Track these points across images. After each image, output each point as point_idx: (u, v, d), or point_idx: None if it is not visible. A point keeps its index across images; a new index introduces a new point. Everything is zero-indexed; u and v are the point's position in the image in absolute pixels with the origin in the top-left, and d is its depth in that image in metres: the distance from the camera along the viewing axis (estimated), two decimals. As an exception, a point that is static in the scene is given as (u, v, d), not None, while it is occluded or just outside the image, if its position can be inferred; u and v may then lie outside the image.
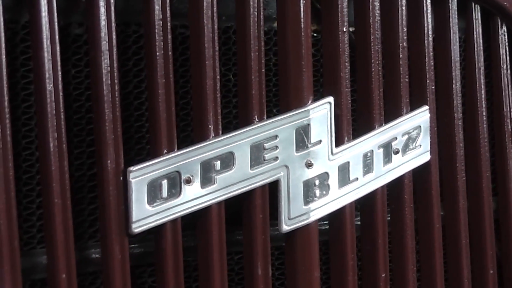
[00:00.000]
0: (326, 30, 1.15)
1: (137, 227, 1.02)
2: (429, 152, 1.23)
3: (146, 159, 1.06)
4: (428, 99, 1.24)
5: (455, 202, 1.29)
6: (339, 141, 1.14)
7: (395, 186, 1.21)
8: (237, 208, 1.10)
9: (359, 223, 1.20)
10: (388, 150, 1.19)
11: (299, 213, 1.11)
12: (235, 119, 1.15)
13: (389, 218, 1.22)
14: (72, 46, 1.06)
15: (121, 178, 1.01)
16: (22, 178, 1.04)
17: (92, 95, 1.02)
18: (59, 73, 0.99)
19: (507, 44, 1.35)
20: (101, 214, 1.02)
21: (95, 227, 1.08)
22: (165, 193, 1.03)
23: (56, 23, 0.98)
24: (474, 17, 1.31)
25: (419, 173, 1.24)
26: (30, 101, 1.03)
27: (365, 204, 1.19)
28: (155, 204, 1.03)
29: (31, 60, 0.99)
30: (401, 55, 1.20)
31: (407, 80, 1.21)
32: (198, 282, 1.10)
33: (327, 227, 1.17)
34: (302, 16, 1.10)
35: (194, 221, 1.07)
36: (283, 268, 1.21)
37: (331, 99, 1.13)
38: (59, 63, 0.99)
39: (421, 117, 1.22)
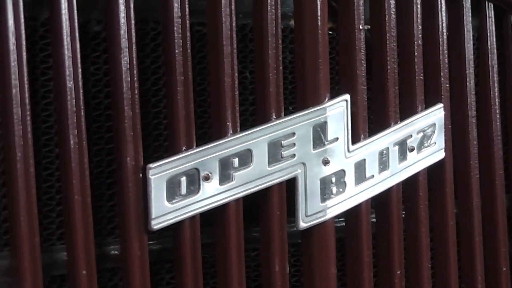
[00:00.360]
0: (342, 28, 1.16)
1: (157, 224, 1.02)
2: (443, 150, 1.24)
3: (163, 156, 1.06)
4: (442, 96, 1.24)
5: (468, 199, 1.30)
6: (355, 139, 1.15)
7: (410, 184, 1.22)
8: (254, 205, 1.11)
9: (374, 220, 1.20)
10: (403, 148, 1.19)
11: (316, 210, 1.12)
12: (251, 116, 1.16)
13: (404, 215, 1.22)
14: (91, 43, 1.06)
15: (141, 175, 1.02)
16: (42, 175, 1.04)
17: (111, 92, 1.03)
18: (79, 70, 0.99)
19: (520, 42, 1.36)
20: (120, 210, 1.02)
21: (113, 223, 1.09)
22: (184, 190, 1.04)
23: (76, 20, 0.99)
24: (487, 15, 1.32)
25: (434, 170, 1.24)
26: (49, 98, 1.04)
27: (380, 202, 1.20)
28: (174, 201, 1.03)
29: (52, 57, 1.00)
30: (416, 53, 1.21)
31: (422, 78, 1.21)
32: (215, 278, 1.11)
33: (343, 224, 1.18)
34: (319, 14, 1.11)
35: (211, 218, 1.08)
36: (298, 265, 1.22)
37: (347, 96, 1.14)
38: (79, 60, 0.99)
39: (436, 114, 1.23)
